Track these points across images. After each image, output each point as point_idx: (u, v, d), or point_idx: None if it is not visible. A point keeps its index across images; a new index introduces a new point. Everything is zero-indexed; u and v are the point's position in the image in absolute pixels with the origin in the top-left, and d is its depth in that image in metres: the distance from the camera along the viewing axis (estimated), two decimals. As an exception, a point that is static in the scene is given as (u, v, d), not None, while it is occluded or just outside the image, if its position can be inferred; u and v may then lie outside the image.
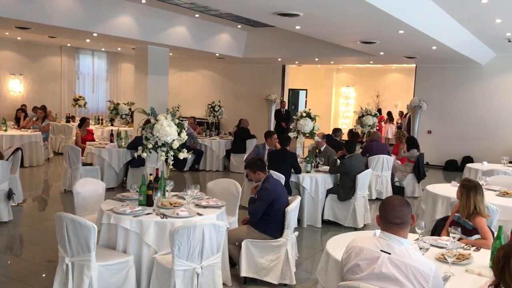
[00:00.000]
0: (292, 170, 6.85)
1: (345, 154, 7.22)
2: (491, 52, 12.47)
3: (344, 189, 6.91)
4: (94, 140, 9.94)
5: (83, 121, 9.99)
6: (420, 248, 3.21)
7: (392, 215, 2.60)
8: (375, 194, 8.82)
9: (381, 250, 2.55)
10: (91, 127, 13.08)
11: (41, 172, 10.65)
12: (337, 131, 9.25)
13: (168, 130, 4.59)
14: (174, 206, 4.39)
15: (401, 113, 17.88)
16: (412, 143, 9.35)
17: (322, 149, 7.90)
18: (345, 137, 10.23)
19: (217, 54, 13.94)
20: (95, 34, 10.47)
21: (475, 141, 13.24)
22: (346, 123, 19.90)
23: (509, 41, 10.45)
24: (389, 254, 2.53)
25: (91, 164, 8.68)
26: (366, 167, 7.58)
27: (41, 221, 6.92)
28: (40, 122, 11.81)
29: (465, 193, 3.98)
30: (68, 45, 15.48)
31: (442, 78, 13.62)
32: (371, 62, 14.68)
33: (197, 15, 11.61)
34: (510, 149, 12.47)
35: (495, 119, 13.01)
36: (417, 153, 9.18)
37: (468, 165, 8.99)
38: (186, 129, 4.97)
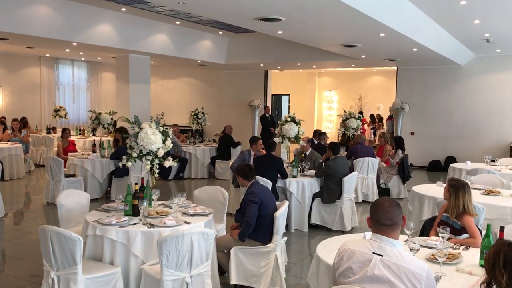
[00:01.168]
0: (279, 175, 6.83)
1: (329, 155, 7.17)
2: (470, 53, 12.66)
3: (328, 191, 6.89)
4: (76, 151, 9.80)
5: (64, 132, 9.85)
6: (411, 249, 3.20)
7: (383, 216, 2.59)
8: (361, 196, 8.84)
9: (373, 252, 2.54)
10: (73, 137, 12.90)
11: (22, 185, 10.44)
12: (321, 134, 9.26)
13: (152, 138, 4.53)
14: (161, 215, 4.32)
15: (379, 117, 17.95)
16: (399, 143, 9.43)
17: (307, 153, 7.90)
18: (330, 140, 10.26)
19: (198, 61, 13.90)
20: (74, 44, 10.36)
21: (457, 141, 13.40)
22: (329, 126, 19.99)
23: (488, 42, 10.62)
24: (381, 256, 2.51)
25: (74, 175, 8.53)
26: (351, 170, 7.59)
27: (24, 235, 6.76)
28: (18, 134, 11.60)
29: (454, 193, 4.00)
30: (47, 55, 15.28)
31: (423, 79, 13.78)
32: (353, 65, 14.78)
33: (178, 22, 11.57)
34: (492, 148, 12.65)
35: (476, 118, 13.20)
36: (401, 155, 9.24)
37: (452, 165, 9.08)
38: (170, 137, 4.91)
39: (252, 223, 4.52)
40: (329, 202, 6.87)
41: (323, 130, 11.11)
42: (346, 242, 2.74)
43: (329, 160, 7.07)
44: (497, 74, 12.96)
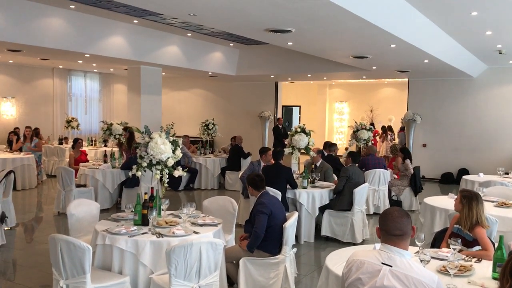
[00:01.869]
0: (288, 186, 6.80)
1: (348, 163, 7.30)
2: (483, 65, 12.58)
3: (341, 198, 6.86)
4: (87, 161, 9.87)
5: (76, 142, 9.93)
6: (421, 261, 3.17)
7: (393, 226, 2.56)
8: (372, 209, 8.77)
9: (382, 263, 2.51)
10: (84, 148, 13.01)
11: (34, 195, 10.52)
12: (332, 145, 9.24)
13: (162, 148, 4.54)
14: (170, 225, 4.31)
15: (384, 129, 17.69)
16: (407, 154, 9.38)
17: (317, 164, 7.87)
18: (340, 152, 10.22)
19: (209, 73, 13.97)
20: (87, 55, 10.48)
21: (470, 153, 13.26)
22: (340, 138, 19.91)
23: (500, 53, 10.55)
24: (391, 266, 2.48)
25: (85, 186, 8.59)
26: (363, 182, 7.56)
27: (35, 244, 6.80)
28: (28, 142, 11.65)
29: (467, 204, 3.94)
30: (60, 67, 15.48)
31: (435, 91, 13.70)
32: (364, 77, 14.76)
33: (189, 34, 11.67)
34: (505, 160, 12.49)
35: (488, 130, 13.06)
36: (411, 165, 9.18)
37: (465, 177, 8.98)
38: (180, 146, 4.92)
39: (261, 234, 4.49)
40: (338, 208, 6.82)
41: (334, 142, 11.07)
42: (355, 252, 2.71)
43: (348, 166, 7.17)
44: (510, 85, 12.84)
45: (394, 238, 2.55)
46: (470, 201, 3.94)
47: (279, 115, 16.35)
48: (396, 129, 16.52)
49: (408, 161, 9.24)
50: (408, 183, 9.15)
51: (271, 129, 15.36)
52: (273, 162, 7.26)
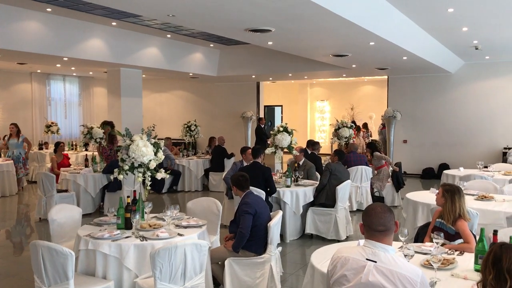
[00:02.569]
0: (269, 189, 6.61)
1: (334, 161, 7.37)
2: (460, 60, 12.78)
3: (321, 193, 6.96)
4: (70, 165, 9.75)
5: (58, 146, 9.78)
6: (405, 255, 3.19)
7: (376, 222, 2.58)
8: (355, 205, 8.83)
9: (367, 259, 2.52)
10: (65, 152, 12.84)
11: (15, 201, 10.33)
12: (314, 144, 9.28)
13: (144, 151, 4.51)
14: (154, 228, 4.28)
15: (357, 127, 17.79)
16: (373, 147, 9.50)
17: (300, 163, 7.89)
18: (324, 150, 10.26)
19: (190, 74, 13.92)
20: (65, 59, 10.35)
21: (450, 148, 13.46)
22: (322, 137, 20.01)
23: (476, 49, 10.72)
24: (375, 262, 2.50)
25: (66, 191, 8.47)
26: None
27: (17, 252, 6.68)
28: (15, 137, 11.30)
29: (450, 197, 4.00)
30: (38, 71, 15.24)
31: (414, 87, 13.86)
32: (344, 75, 14.86)
33: (169, 36, 11.60)
34: (484, 154, 12.71)
35: (467, 125, 13.28)
36: (382, 155, 9.33)
37: (445, 171, 9.10)
38: (162, 148, 4.88)
39: (246, 234, 4.49)
40: (321, 202, 6.90)
41: (316, 140, 11.12)
42: (340, 249, 2.73)
43: (332, 163, 7.25)
44: (486, 80, 13.08)
45: (378, 234, 2.57)
46: (452, 194, 4.00)
47: (261, 115, 16.36)
48: (376, 126, 16.64)
49: (376, 153, 9.35)
50: (388, 178, 9.24)
51: (253, 129, 15.37)
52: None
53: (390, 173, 9.30)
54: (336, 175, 7.01)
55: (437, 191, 6.05)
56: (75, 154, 12.79)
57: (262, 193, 6.24)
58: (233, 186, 4.87)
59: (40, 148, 13.27)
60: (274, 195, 6.77)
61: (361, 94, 19.43)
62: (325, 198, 6.91)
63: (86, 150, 12.66)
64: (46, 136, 14.42)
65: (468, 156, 12.82)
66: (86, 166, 9.05)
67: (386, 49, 9.04)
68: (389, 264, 2.48)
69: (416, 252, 3.49)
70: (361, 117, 18.67)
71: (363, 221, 2.66)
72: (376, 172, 9.38)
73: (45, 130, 14.28)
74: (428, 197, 6.03)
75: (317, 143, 9.44)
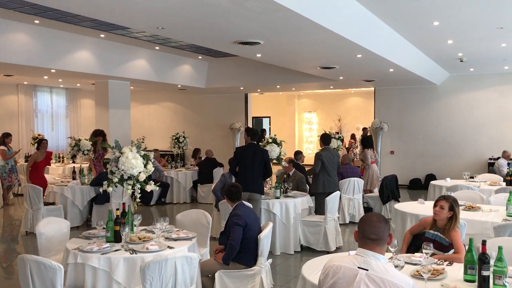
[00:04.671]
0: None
1: (321, 146, 7.78)
2: (445, 72, 12.97)
3: (324, 183, 7.45)
4: (48, 164, 9.61)
5: (40, 143, 9.53)
6: (396, 266, 3.22)
7: (369, 230, 2.60)
8: (348, 217, 8.82)
9: (358, 267, 2.53)
10: (52, 165, 12.71)
11: (0, 215, 10.18)
12: (297, 154, 9.34)
13: (133, 163, 4.49)
14: (144, 241, 4.26)
15: (352, 136, 17.97)
16: (367, 142, 9.61)
17: (290, 173, 7.92)
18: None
19: (178, 86, 13.92)
20: (53, 71, 10.29)
21: (436, 158, 13.60)
22: (310, 148, 20.10)
23: (461, 61, 10.90)
24: (367, 270, 2.51)
25: (53, 204, 8.38)
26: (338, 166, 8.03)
27: (3, 266, 6.57)
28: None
29: (457, 206, 4.08)
30: (25, 83, 15.12)
31: (400, 99, 14.02)
32: (331, 87, 14.98)
33: (157, 47, 11.61)
34: (470, 164, 12.87)
35: (453, 136, 13.44)
36: (372, 153, 9.43)
37: (432, 182, 9.18)
38: (152, 160, 4.87)
39: (236, 246, 4.48)
40: (325, 191, 7.24)
41: (304, 151, 11.19)
42: (332, 258, 2.74)
43: (320, 151, 7.64)
44: (471, 92, 13.28)
45: (370, 242, 2.59)
46: (457, 204, 4.10)
47: (250, 126, 16.40)
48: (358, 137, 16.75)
49: (366, 150, 9.54)
50: (378, 177, 9.36)
51: (241, 140, 15.38)
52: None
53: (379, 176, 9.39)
54: (327, 167, 7.46)
55: (425, 202, 6.11)
56: (62, 166, 12.67)
57: (250, 206, 6.23)
58: (224, 196, 4.87)
59: (26, 161, 13.10)
60: (264, 207, 6.76)
61: (348, 105, 19.59)
62: (315, 187, 7.38)
63: (74, 162, 12.55)
64: (32, 149, 14.25)
65: (454, 167, 12.96)
66: (74, 178, 8.96)
67: (373, 62, 9.15)
68: (381, 273, 2.49)
69: (406, 262, 3.52)
70: (348, 128, 18.82)
71: (358, 229, 2.68)
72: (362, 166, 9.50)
73: (31, 143, 14.11)
74: (416, 207, 6.08)
75: (300, 152, 9.50)
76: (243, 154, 6.72)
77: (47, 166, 12.41)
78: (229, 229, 4.60)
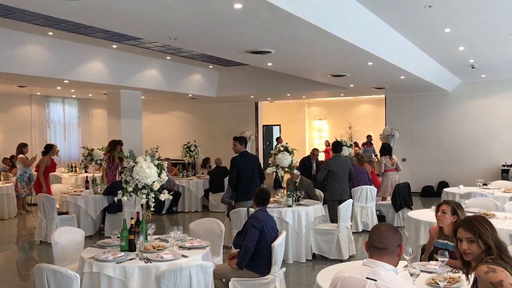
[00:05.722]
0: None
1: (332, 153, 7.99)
2: (456, 79, 12.91)
3: (330, 190, 7.54)
4: (54, 170, 9.79)
5: (51, 148, 9.78)
6: (411, 274, 3.20)
7: (376, 239, 2.59)
8: (361, 226, 8.75)
9: (367, 277, 2.50)
10: (64, 175, 12.83)
11: (14, 224, 10.29)
12: (314, 151, 10.01)
13: (148, 172, 4.52)
14: (158, 250, 4.27)
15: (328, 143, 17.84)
16: (384, 149, 9.62)
17: (297, 181, 7.90)
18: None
19: (189, 95, 14.01)
20: (66, 81, 10.43)
21: (448, 165, 13.50)
22: (321, 155, 20.02)
23: (473, 67, 10.85)
24: (375, 280, 2.47)
25: (67, 213, 8.44)
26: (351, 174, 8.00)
27: (17, 275, 6.63)
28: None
29: (460, 210, 4.01)
30: (38, 93, 15.31)
31: (412, 106, 13.97)
32: (342, 94, 14.98)
33: (168, 57, 11.72)
34: (483, 171, 12.75)
35: (465, 143, 13.35)
36: (389, 161, 9.42)
37: (445, 189, 9.10)
38: (165, 169, 4.90)
39: (251, 248, 4.49)
40: (332, 198, 7.31)
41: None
42: (341, 269, 2.72)
43: (330, 158, 7.77)
44: (483, 98, 13.20)
45: (376, 251, 2.56)
46: (460, 208, 4.03)
47: (260, 134, 16.44)
48: (376, 144, 16.68)
49: (382, 158, 9.67)
50: (392, 185, 9.35)
51: (252, 149, 15.41)
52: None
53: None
54: (335, 174, 7.51)
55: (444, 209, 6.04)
56: (75, 176, 12.77)
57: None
58: (253, 198, 4.94)
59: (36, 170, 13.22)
60: (275, 215, 6.74)
61: (359, 113, 19.55)
62: (331, 195, 7.51)
63: (86, 172, 12.65)
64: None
65: (467, 174, 12.84)
66: (87, 188, 9.03)
67: (384, 69, 9.14)
68: (389, 283, 2.44)
69: (421, 271, 3.49)
70: (359, 135, 18.76)
71: (368, 238, 2.67)
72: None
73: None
74: (429, 215, 6.02)
75: (316, 150, 9.87)
76: (244, 165, 6.87)
77: (60, 176, 12.60)
78: (246, 231, 4.62)
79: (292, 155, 7.99)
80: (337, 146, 7.90)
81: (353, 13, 6.45)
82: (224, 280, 4.60)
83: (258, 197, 4.88)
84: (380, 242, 2.56)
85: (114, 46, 10.23)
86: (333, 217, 7.45)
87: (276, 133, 21.32)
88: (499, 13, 6.63)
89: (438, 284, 3.14)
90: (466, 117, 13.36)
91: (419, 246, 5.74)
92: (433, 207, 6.34)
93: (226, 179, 11.24)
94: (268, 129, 20.88)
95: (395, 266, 2.59)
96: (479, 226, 2.67)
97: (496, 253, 2.57)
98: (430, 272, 3.56)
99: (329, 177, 7.59)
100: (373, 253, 2.58)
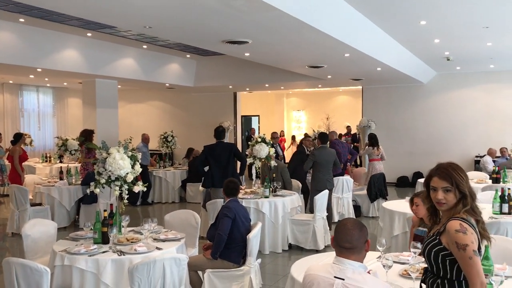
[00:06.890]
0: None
1: (318, 144, 7.91)
2: (432, 71, 13.07)
3: (316, 180, 7.54)
4: (27, 159, 9.61)
5: (20, 137, 9.60)
6: (384, 266, 3.22)
7: (343, 238, 2.55)
8: (337, 216, 8.83)
9: (335, 277, 2.48)
10: (38, 165, 12.58)
11: (-14, 216, 10.07)
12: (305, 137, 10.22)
13: (121, 164, 4.45)
14: (132, 242, 4.23)
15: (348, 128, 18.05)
16: (373, 139, 9.71)
17: (272, 166, 7.86)
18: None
19: (167, 84, 13.86)
20: (39, 70, 10.18)
21: (423, 156, 13.69)
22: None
23: (448, 60, 10.99)
24: (343, 280, 2.46)
25: (40, 204, 8.28)
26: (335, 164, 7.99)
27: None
28: None
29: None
30: (11, 82, 14.94)
31: (388, 97, 14.11)
32: (320, 86, 15.02)
33: (145, 46, 11.54)
34: (456, 162, 12.60)
35: (440, 134, 13.56)
36: (377, 151, 9.54)
37: (420, 180, 9.22)
38: (139, 161, 4.83)
39: (224, 236, 4.49)
40: (317, 188, 7.28)
41: (291, 150, 11.27)
42: (310, 267, 2.69)
43: (316, 149, 7.81)
44: (458, 90, 13.40)
45: (344, 251, 2.54)
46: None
47: (239, 125, 16.38)
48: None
49: (368, 148, 9.75)
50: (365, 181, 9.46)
51: (231, 139, 15.36)
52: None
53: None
54: (321, 165, 7.55)
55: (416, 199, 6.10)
56: (49, 166, 12.54)
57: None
58: (223, 190, 4.93)
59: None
60: (252, 206, 6.75)
61: (336, 104, 19.65)
62: (318, 185, 7.49)
63: (61, 162, 12.44)
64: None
65: (442, 165, 13.03)
66: (61, 178, 8.87)
67: (361, 61, 9.18)
68: (357, 281, 2.43)
69: (394, 262, 3.52)
70: (336, 126, 18.85)
71: (334, 234, 2.64)
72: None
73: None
74: (404, 206, 6.08)
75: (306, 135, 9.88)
76: (212, 152, 7.20)
77: (34, 166, 12.35)
78: (219, 221, 4.61)
79: (269, 146, 7.99)
80: (323, 137, 7.91)
81: (330, 5, 6.44)
82: (199, 272, 4.58)
83: (227, 188, 4.89)
84: (347, 242, 2.52)
85: (89, 34, 10.02)
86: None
87: (255, 124, 21.28)
88: (475, 6, 6.70)
89: (410, 276, 3.17)
90: (441, 109, 13.56)
91: (393, 236, 5.83)
92: (407, 198, 6.44)
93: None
94: (247, 119, 20.81)
95: (362, 261, 2.57)
96: (455, 175, 2.57)
97: (470, 202, 2.49)
98: (403, 263, 3.59)
99: (314, 167, 7.65)
100: (341, 252, 2.54)
